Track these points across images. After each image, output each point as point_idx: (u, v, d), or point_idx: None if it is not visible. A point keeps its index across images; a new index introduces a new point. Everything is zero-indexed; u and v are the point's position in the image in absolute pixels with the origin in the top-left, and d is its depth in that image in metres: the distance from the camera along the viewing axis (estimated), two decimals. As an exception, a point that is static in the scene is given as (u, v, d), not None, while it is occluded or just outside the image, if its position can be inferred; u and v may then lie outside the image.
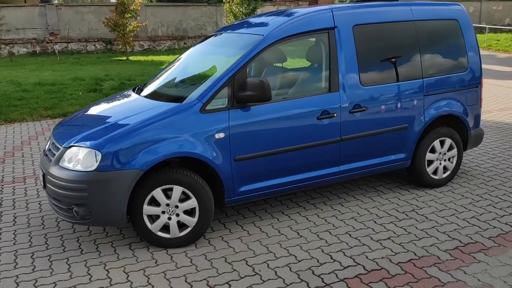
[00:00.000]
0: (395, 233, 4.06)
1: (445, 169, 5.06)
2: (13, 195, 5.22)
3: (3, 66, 17.32)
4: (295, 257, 3.69)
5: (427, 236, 3.98)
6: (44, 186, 3.90)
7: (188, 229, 3.86)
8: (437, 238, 3.94)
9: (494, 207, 4.53)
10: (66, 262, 3.70)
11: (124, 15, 19.20)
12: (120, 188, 3.58)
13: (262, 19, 4.72)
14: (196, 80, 4.54)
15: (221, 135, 3.85)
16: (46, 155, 4.05)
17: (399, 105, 4.63)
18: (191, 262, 3.66)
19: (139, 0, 19.67)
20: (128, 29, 19.30)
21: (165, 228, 3.84)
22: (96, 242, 4.03)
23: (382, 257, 3.65)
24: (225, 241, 3.99)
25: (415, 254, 3.69)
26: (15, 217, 4.59)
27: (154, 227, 3.80)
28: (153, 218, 3.81)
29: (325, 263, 3.59)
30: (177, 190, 3.76)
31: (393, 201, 4.75)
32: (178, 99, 4.01)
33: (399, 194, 4.92)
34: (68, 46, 22.94)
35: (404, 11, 4.71)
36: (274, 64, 4.99)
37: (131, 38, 19.99)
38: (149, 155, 3.63)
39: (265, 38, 4.12)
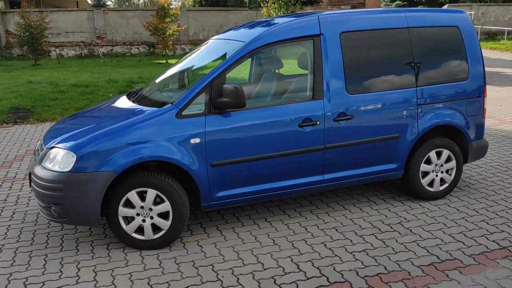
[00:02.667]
0: (372, 245, 3.95)
1: (443, 181, 4.88)
2: (19, 191, 5.49)
3: (50, 68, 18.18)
4: (262, 265, 3.68)
5: (405, 251, 3.85)
6: (30, 185, 4.08)
7: (162, 232, 3.93)
8: (415, 253, 3.81)
9: (487, 223, 4.33)
10: (44, 259, 3.85)
11: (164, 19, 19.68)
12: (94, 189, 3.69)
13: (253, 26, 4.73)
14: (179, 85, 4.63)
15: (197, 140, 3.90)
16: (35, 154, 4.23)
17: (388, 114, 4.51)
18: (159, 264, 3.72)
19: (179, 5, 20.09)
20: (167, 33, 19.77)
21: (141, 230, 3.93)
22: (78, 241, 4.17)
23: (350, 270, 3.58)
24: (200, 245, 4.03)
25: (385, 268, 3.58)
26: (14, 213, 4.83)
27: (129, 229, 3.89)
28: (129, 219, 3.90)
29: (290, 272, 3.55)
30: (151, 193, 3.84)
31: (382, 212, 4.63)
32: (159, 104, 4.10)
33: (391, 205, 4.79)
34: (113, 49, 23.78)
35: (397, 18, 4.58)
36: (272, 71, 5.00)
37: (170, 42, 20.46)
38: (122, 158, 3.72)
39: (245, 45, 4.14)
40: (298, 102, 4.30)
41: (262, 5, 20.58)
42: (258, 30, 4.37)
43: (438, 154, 4.79)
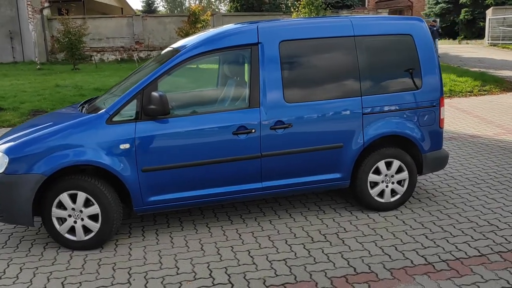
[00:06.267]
0: (296, 255, 3.93)
1: (394, 192, 4.75)
2: None
3: (85, 72, 18.97)
4: (177, 269, 3.75)
5: (325, 261, 3.81)
6: (-20, 185, 4.34)
7: (92, 234, 4.09)
8: (334, 264, 3.76)
9: (426, 237, 4.19)
10: (-11, 256, 4.10)
11: (196, 25, 20.09)
12: (24, 191, 3.90)
13: (202, 34, 4.81)
14: (119, 93, 4.76)
15: (127, 145, 4.03)
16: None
17: (330, 123, 4.46)
18: (82, 265, 3.87)
19: (211, 10, 20.44)
20: (198, 38, 20.15)
21: (74, 230, 4.10)
22: (22, 239, 4.39)
23: (259, 278, 3.58)
24: (129, 248, 4.15)
25: (295, 278, 3.56)
26: None
27: (62, 229, 4.08)
28: (62, 220, 4.08)
29: (199, 278, 3.61)
30: (81, 196, 4.01)
31: (326, 222, 4.57)
32: (97, 110, 4.26)
33: (338, 215, 4.73)
34: (150, 54, 24.49)
35: (343, 26, 4.52)
36: (234, 78, 5.07)
37: (201, 47, 20.82)
38: (51, 162, 3.91)
39: (179, 54, 4.24)
40: (234, 110, 4.35)
41: (292, 10, 20.63)
42: (197, 39, 4.46)
43: (389, 164, 4.68)
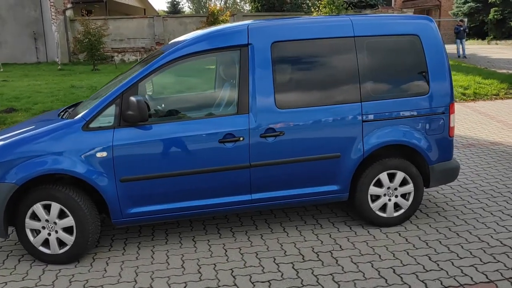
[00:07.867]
0: (282, 276, 3.59)
1: (398, 206, 4.36)
2: None
3: (104, 72, 18.97)
4: (136, 282, 3.46)
5: (313, 284, 3.46)
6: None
7: (67, 247, 3.84)
8: (322, 287, 3.41)
9: (430, 258, 3.79)
10: (-44, 266, 3.90)
11: (214, 25, 19.87)
12: (-5, 201, 3.68)
13: (192, 33, 4.51)
14: (99, 97, 4.50)
15: (104, 154, 3.77)
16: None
17: (326, 131, 4.11)
18: (53, 282, 3.62)
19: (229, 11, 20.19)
20: (217, 39, 19.94)
21: (48, 243, 3.86)
22: (0, 249, 4.19)
23: (237, 303, 3.27)
24: (107, 263, 3.89)
25: (276, 304, 3.23)
26: None
27: (36, 242, 3.84)
28: (37, 232, 3.85)
29: (173, 300, 3.32)
30: (55, 207, 3.77)
31: (321, 238, 4.22)
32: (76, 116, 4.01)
33: (336, 230, 4.36)
34: (170, 54, 24.40)
35: (341, 26, 4.16)
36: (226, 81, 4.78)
37: (220, 47, 20.61)
38: (24, 170, 3.68)
39: (163, 56, 3.96)
40: (221, 116, 4.04)
41: (313, 9, 20.22)
42: (183, 40, 4.17)
43: (392, 176, 4.29)
